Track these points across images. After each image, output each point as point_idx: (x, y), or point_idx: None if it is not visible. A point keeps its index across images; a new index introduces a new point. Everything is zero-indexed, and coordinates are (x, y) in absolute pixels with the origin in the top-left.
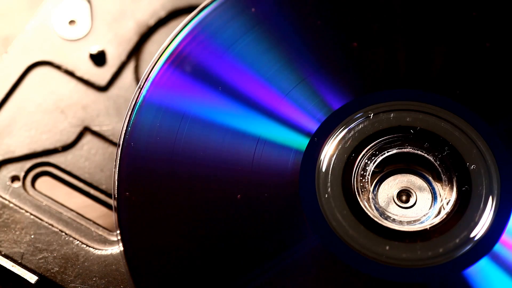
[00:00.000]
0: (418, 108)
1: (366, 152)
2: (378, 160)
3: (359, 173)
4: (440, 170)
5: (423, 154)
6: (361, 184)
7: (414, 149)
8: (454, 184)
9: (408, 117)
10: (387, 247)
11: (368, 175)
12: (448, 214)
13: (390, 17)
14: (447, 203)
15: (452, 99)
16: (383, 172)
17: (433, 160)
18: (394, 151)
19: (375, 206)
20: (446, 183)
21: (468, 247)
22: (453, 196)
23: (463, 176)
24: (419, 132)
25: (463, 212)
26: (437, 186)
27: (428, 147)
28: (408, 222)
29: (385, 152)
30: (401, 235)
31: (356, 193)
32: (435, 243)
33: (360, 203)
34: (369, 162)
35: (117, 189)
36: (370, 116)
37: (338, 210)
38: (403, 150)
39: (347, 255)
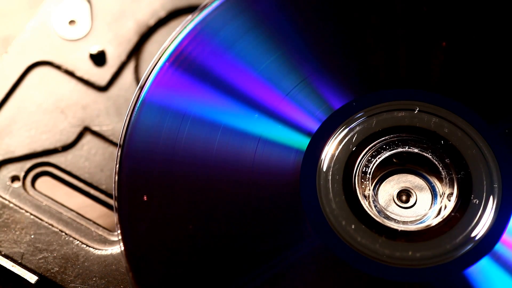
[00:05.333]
0: (462, 126)
1: (386, 139)
2: (398, 149)
3: (361, 170)
4: (445, 184)
5: (439, 166)
6: (362, 183)
7: (433, 158)
8: (455, 188)
9: (447, 129)
10: (359, 236)
11: (369, 174)
12: (449, 214)
13: (391, 16)
14: (451, 194)
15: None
16: (400, 167)
17: (444, 175)
18: (416, 150)
19: (375, 206)
20: (447, 187)
21: (469, 247)
22: (454, 185)
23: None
24: (448, 145)
25: (463, 211)
26: (437, 186)
27: (448, 163)
28: (409, 222)
29: (406, 147)
30: (401, 235)
31: (357, 192)
32: (436, 243)
33: (361, 202)
34: (386, 147)
35: (117, 189)
36: (415, 110)
37: (339, 210)
38: (423, 153)
39: (347, 254)
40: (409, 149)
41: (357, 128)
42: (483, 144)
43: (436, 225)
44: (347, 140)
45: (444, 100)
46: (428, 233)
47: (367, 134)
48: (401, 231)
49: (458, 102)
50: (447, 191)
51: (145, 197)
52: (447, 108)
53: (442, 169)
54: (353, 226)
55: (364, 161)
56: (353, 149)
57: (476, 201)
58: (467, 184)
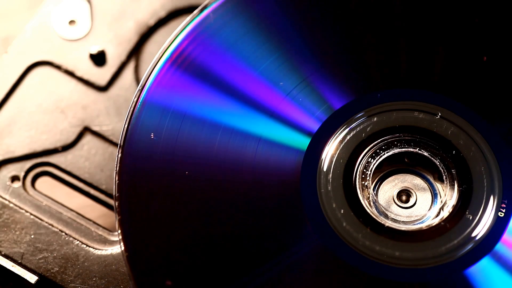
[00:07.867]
0: (476, 138)
1: (400, 136)
2: (408, 149)
3: (366, 160)
4: (445, 193)
5: (443, 174)
6: (364, 173)
7: (440, 165)
8: (454, 199)
9: (462, 140)
10: (364, 236)
11: (370, 174)
12: (449, 214)
13: (391, 16)
14: (447, 204)
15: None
16: (410, 167)
17: (446, 184)
18: (425, 153)
19: (375, 206)
20: (447, 196)
21: (469, 247)
22: (454, 196)
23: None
24: (458, 156)
25: (455, 223)
26: (440, 193)
27: (454, 173)
28: (400, 221)
29: (417, 148)
30: (401, 235)
31: (358, 192)
32: (436, 243)
33: (358, 191)
34: (397, 143)
35: (117, 189)
36: (437, 116)
37: (339, 210)
38: (432, 158)
39: (347, 254)
40: (419, 151)
41: (375, 119)
42: (493, 164)
43: (424, 230)
44: (361, 128)
45: (467, 112)
46: (415, 236)
47: (383, 126)
48: (388, 227)
49: (480, 117)
50: (446, 201)
51: (152, 135)
52: (468, 120)
53: (446, 178)
54: (342, 211)
55: (371, 153)
56: (365, 138)
57: (470, 216)
58: (466, 198)
